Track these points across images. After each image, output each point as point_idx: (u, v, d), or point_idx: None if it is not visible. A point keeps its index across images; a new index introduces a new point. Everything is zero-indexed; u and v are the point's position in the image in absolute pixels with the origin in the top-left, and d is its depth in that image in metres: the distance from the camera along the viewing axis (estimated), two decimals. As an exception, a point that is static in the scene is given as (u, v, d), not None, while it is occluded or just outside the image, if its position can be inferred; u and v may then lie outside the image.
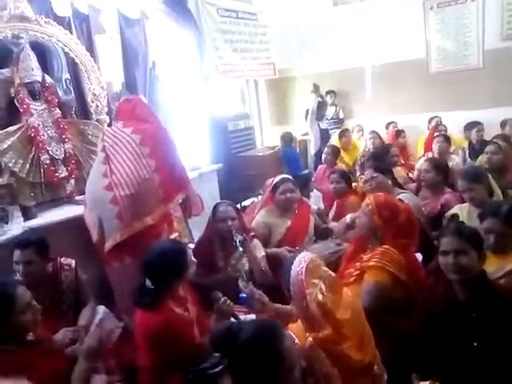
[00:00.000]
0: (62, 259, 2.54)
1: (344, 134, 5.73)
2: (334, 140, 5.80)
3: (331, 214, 3.63)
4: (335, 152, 4.94)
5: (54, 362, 1.82)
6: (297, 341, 1.55)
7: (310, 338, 1.57)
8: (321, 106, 6.31)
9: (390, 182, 3.23)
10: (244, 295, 2.15)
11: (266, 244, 2.92)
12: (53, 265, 2.50)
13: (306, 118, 6.46)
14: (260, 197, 3.58)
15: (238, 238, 2.56)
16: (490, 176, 2.81)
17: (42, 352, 1.82)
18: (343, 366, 1.57)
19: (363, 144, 5.71)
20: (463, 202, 3.03)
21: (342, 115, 6.67)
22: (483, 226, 2.15)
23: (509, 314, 1.73)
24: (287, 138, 5.85)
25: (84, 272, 2.62)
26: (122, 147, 2.68)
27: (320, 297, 1.56)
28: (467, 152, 5.16)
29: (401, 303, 2.12)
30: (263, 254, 2.76)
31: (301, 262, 1.62)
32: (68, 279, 2.51)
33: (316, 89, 6.38)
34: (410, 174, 4.59)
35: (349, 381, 1.59)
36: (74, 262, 2.57)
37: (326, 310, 1.56)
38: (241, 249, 2.55)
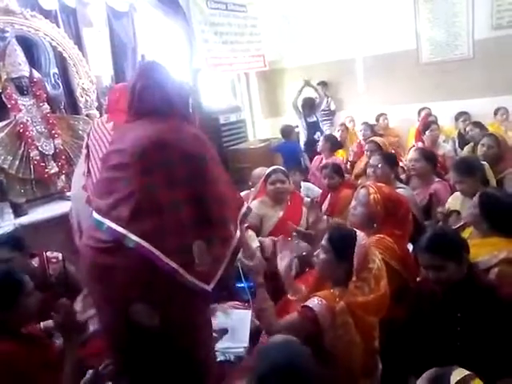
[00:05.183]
0: (47, 253, 2.51)
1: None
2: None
3: (324, 207, 3.63)
4: (331, 141, 4.79)
5: (45, 355, 1.83)
6: (326, 303, 1.68)
7: (342, 303, 1.67)
8: (307, 103, 6.05)
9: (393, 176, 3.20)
10: (241, 285, 2.12)
11: (257, 234, 2.91)
12: (39, 259, 2.47)
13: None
14: (252, 189, 3.55)
15: None
16: (486, 165, 2.83)
17: (34, 345, 1.82)
18: (365, 338, 1.69)
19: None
20: (452, 190, 3.07)
21: (333, 107, 6.63)
22: None
23: (494, 312, 1.71)
24: (284, 131, 5.61)
25: (76, 268, 2.58)
26: (101, 146, 2.61)
27: (376, 266, 1.80)
28: (457, 142, 5.18)
29: (393, 291, 2.12)
30: (258, 244, 2.76)
31: (364, 238, 1.86)
32: (56, 272, 2.49)
33: (305, 84, 6.15)
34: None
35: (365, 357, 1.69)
36: (60, 254, 2.54)
37: (379, 279, 1.79)
38: None
